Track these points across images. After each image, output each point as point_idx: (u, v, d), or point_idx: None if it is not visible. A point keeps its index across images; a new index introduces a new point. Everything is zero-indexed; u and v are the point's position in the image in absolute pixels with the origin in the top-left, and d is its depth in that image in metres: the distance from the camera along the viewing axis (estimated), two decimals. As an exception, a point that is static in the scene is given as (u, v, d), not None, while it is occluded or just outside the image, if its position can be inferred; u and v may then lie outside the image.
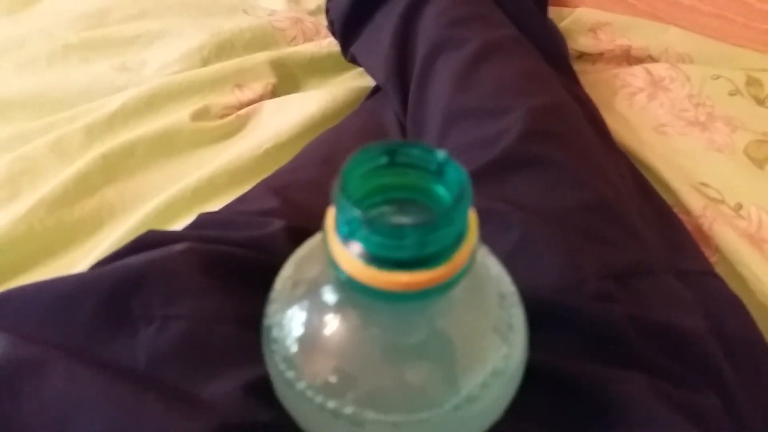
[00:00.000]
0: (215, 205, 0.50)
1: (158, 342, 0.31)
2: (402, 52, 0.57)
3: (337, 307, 0.25)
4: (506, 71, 0.51)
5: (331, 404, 0.24)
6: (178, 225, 0.47)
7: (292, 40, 0.73)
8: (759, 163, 0.55)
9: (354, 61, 0.66)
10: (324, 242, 0.22)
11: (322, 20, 0.73)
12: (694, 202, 0.53)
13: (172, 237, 0.38)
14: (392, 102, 0.58)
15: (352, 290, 0.22)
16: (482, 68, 0.51)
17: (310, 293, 0.26)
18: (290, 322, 0.26)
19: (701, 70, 0.64)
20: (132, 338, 0.31)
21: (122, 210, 0.56)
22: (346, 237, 0.21)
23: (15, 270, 0.51)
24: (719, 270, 0.45)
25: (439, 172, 0.23)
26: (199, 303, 0.33)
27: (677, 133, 0.59)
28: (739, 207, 0.52)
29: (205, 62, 0.67)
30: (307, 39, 0.73)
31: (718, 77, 0.63)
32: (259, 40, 0.71)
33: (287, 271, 0.27)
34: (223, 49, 0.69)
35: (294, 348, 0.25)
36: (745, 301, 0.42)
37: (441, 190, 0.23)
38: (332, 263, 0.22)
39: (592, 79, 0.65)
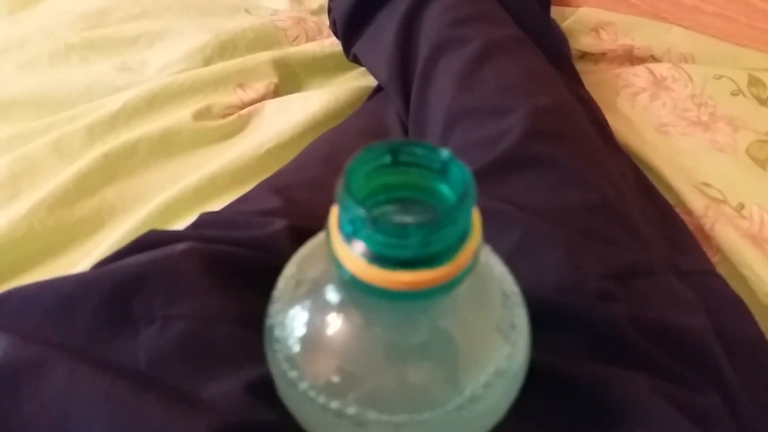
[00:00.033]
0: (217, 205, 0.50)
1: (159, 342, 0.31)
2: (404, 51, 0.57)
3: (340, 307, 0.25)
4: (509, 71, 0.51)
5: (333, 404, 0.24)
6: (179, 225, 0.47)
7: (295, 40, 0.73)
8: (761, 163, 0.55)
9: (356, 60, 0.66)
10: (327, 241, 0.22)
11: (325, 20, 0.73)
12: (696, 202, 0.53)
13: (173, 237, 0.38)
14: (394, 102, 0.58)
15: (355, 289, 0.22)
16: (485, 68, 0.51)
17: (312, 293, 0.26)
18: (293, 321, 0.26)
19: (704, 70, 0.64)
20: (133, 338, 0.31)
21: (123, 210, 0.56)
22: (350, 236, 0.21)
23: (15, 270, 0.51)
24: (721, 270, 0.45)
25: (442, 171, 0.23)
26: (201, 303, 0.33)
27: (679, 133, 0.59)
28: (741, 207, 0.52)
29: (208, 62, 0.67)
30: (310, 39, 0.73)
31: (720, 77, 0.63)
32: (262, 39, 0.71)
33: (290, 270, 0.27)
34: (225, 48, 0.69)
35: (296, 348, 0.25)
36: (747, 301, 0.42)
37: (445, 189, 0.23)
38: (335, 262, 0.22)
39: (594, 79, 0.65)
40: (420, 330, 0.25)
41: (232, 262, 0.36)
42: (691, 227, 0.49)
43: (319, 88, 0.67)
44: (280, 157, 0.57)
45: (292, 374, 0.25)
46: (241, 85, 0.66)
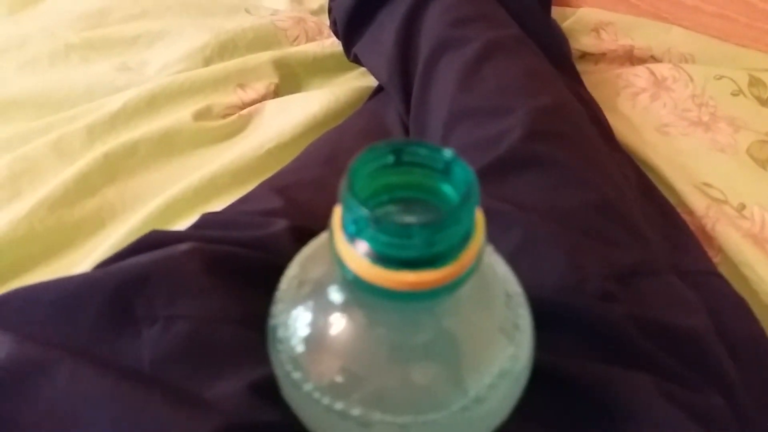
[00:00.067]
0: (217, 205, 0.50)
1: (162, 342, 0.31)
2: (405, 51, 0.57)
3: (344, 307, 0.25)
4: (509, 71, 0.51)
5: (338, 405, 0.24)
6: (180, 225, 0.46)
7: (295, 40, 0.72)
8: (762, 164, 0.55)
9: (357, 60, 0.66)
10: (330, 241, 0.22)
11: (325, 20, 0.73)
12: (697, 202, 0.53)
13: (175, 237, 0.38)
14: (395, 102, 0.58)
15: (358, 290, 0.22)
16: (485, 68, 0.51)
17: (315, 293, 0.26)
18: (296, 322, 0.26)
19: (704, 70, 0.64)
20: (136, 338, 0.31)
21: (123, 210, 0.55)
22: (353, 236, 0.21)
23: (16, 270, 0.51)
24: (722, 270, 0.45)
25: (445, 171, 0.23)
26: (203, 303, 0.33)
27: (680, 133, 0.59)
28: (742, 207, 0.52)
29: (208, 62, 0.67)
30: (310, 39, 0.73)
31: (721, 77, 0.63)
32: (262, 39, 0.71)
33: (292, 270, 0.27)
34: (225, 48, 0.69)
35: (300, 348, 0.25)
36: (749, 301, 0.42)
37: (448, 189, 0.23)
38: (339, 262, 0.22)
39: (594, 79, 0.65)
40: (424, 330, 0.25)
41: (234, 262, 0.36)
42: (692, 227, 0.49)
43: (320, 89, 0.67)
44: (281, 158, 0.57)
45: (296, 375, 0.25)
46: (241, 86, 0.66)
